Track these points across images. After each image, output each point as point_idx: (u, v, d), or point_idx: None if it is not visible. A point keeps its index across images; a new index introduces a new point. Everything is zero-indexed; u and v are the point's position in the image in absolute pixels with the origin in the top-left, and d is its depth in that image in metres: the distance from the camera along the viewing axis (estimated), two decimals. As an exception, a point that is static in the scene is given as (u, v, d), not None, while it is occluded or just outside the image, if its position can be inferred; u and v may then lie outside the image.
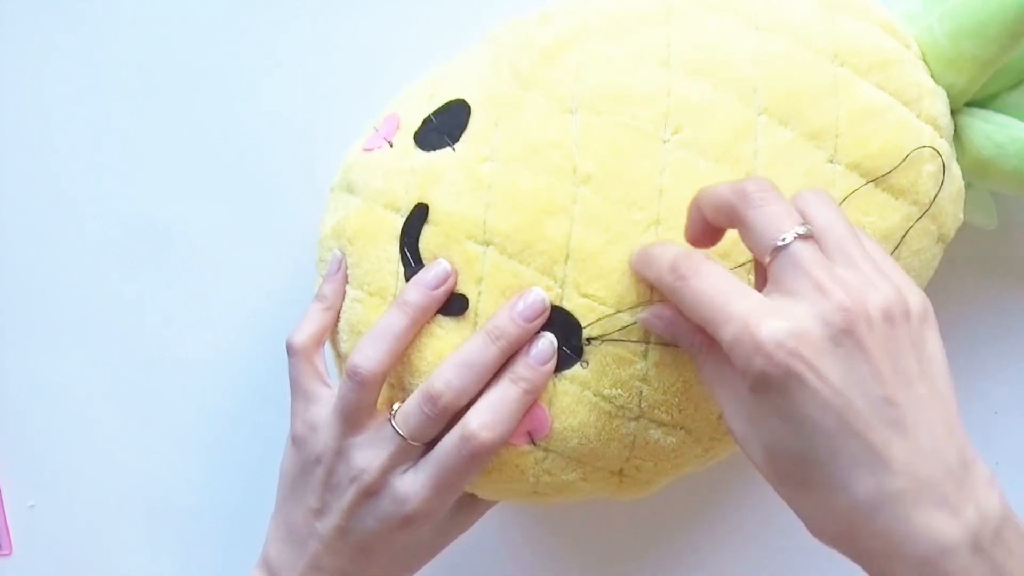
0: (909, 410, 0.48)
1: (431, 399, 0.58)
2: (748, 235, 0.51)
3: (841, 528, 0.49)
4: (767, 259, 0.50)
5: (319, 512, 0.62)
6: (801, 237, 0.50)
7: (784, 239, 0.49)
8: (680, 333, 0.56)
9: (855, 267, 0.50)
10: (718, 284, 0.51)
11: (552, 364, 0.59)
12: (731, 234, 0.56)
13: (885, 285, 0.49)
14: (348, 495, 0.60)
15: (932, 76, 0.64)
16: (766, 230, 0.50)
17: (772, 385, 0.48)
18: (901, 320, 0.49)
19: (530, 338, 0.59)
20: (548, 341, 0.59)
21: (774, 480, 0.51)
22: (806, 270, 0.49)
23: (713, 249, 0.57)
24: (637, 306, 0.59)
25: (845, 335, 0.47)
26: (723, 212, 0.52)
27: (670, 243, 0.56)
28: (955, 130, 0.65)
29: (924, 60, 0.64)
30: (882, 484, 0.47)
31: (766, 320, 0.47)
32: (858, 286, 0.49)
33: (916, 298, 0.50)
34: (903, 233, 0.61)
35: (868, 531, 0.48)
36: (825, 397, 0.47)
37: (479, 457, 0.59)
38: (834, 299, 0.48)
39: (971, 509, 0.47)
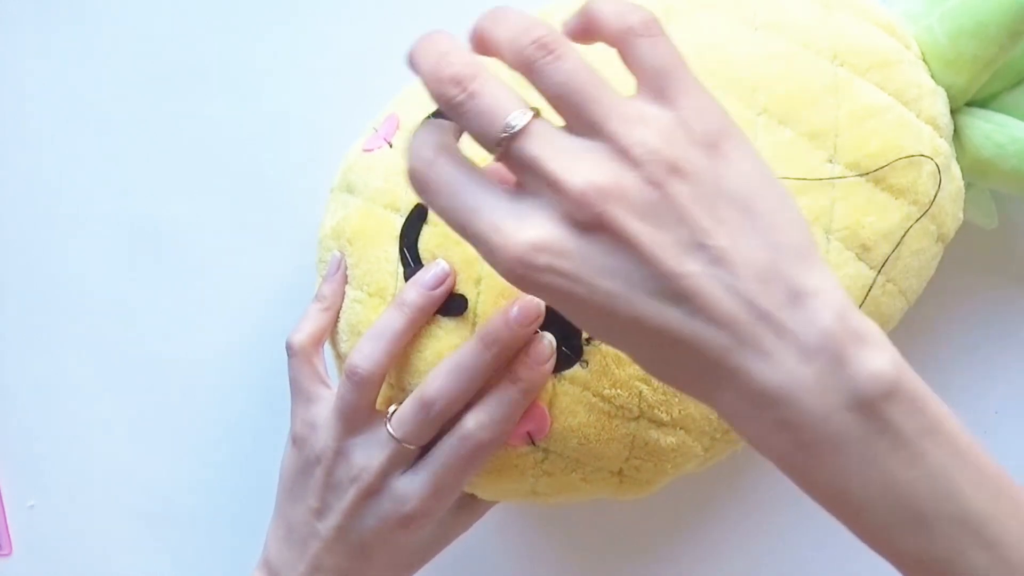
0: (700, 276, 0.42)
1: (424, 406, 0.58)
2: (469, 130, 0.44)
3: (688, 393, 0.46)
4: (496, 156, 0.44)
5: (319, 512, 0.62)
6: (518, 133, 0.43)
7: (503, 136, 0.43)
8: None
9: (599, 131, 0.43)
10: (457, 194, 0.44)
11: (551, 364, 0.59)
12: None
13: (646, 141, 0.42)
14: (348, 495, 0.61)
15: (932, 76, 0.64)
16: (484, 125, 0.43)
17: (544, 299, 0.45)
18: (670, 177, 0.42)
19: (524, 341, 0.59)
20: (547, 341, 0.59)
21: None
22: (537, 166, 0.43)
23: None
24: None
25: (596, 228, 0.42)
26: (443, 106, 0.45)
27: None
28: (955, 129, 0.65)
29: (924, 60, 0.64)
30: (695, 358, 0.43)
31: (506, 235, 0.43)
32: (604, 159, 0.43)
33: (697, 131, 0.43)
34: (903, 233, 0.61)
35: (709, 392, 0.45)
36: (596, 302, 0.43)
37: (478, 457, 0.59)
38: (573, 191, 0.42)
39: (814, 362, 0.43)
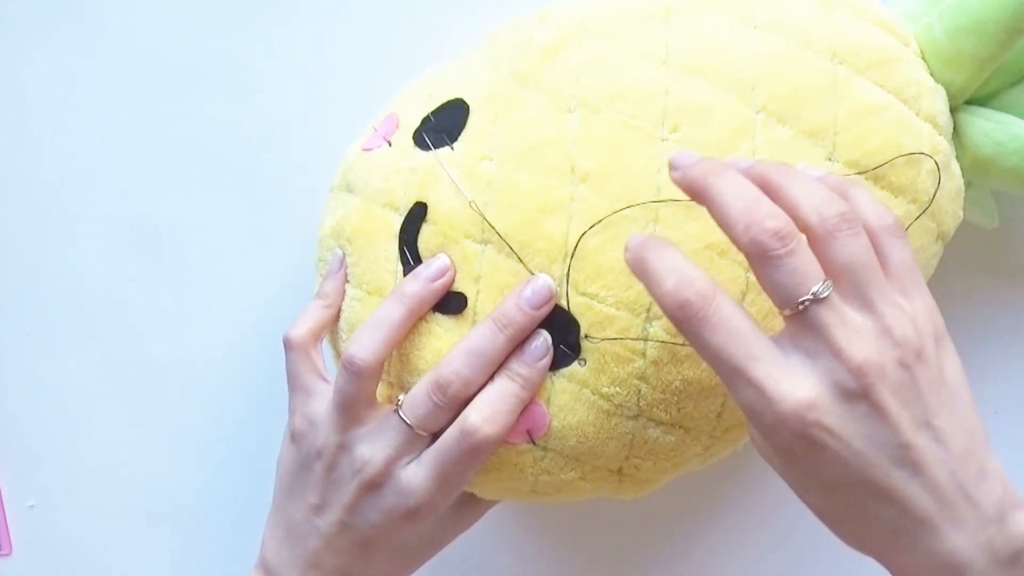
0: (925, 449, 0.49)
1: (440, 387, 0.58)
2: (769, 280, 0.49)
3: (869, 548, 0.52)
4: (786, 311, 0.49)
5: (319, 508, 0.62)
6: (818, 300, 0.48)
7: (803, 302, 0.48)
8: None
9: (873, 310, 0.49)
10: (733, 337, 0.49)
11: (547, 360, 0.59)
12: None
13: (903, 326, 0.49)
14: (350, 489, 0.60)
15: (931, 74, 0.64)
16: (790, 283, 0.49)
17: (796, 453, 0.49)
18: (916, 362, 0.50)
19: (531, 331, 0.59)
20: (542, 338, 0.59)
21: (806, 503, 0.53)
22: (825, 334, 0.48)
23: (697, 244, 0.57)
24: (635, 304, 0.59)
25: (861, 397, 0.48)
26: (752, 251, 0.50)
27: (670, 248, 0.52)
28: (954, 128, 0.65)
29: (923, 58, 0.64)
30: (902, 519, 0.50)
31: (785, 391, 0.48)
32: (875, 337, 0.49)
33: (930, 326, 0.51)
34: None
35: (893, 551, 0.51)
36: (846, 459, 0.49)
37: (480, 451, 0.59)
38: (852, 363, 0.48)
39: (991, 528, 0.50)
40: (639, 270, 0.52)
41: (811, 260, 0.49)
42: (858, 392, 0.48)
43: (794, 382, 0.48)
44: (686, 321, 0.50)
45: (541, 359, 0.59)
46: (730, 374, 0.49)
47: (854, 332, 0.48)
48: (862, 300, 0.49)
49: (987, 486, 0.51)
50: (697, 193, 0.52)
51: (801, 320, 0.49)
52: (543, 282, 0.59)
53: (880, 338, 0.49)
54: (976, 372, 0.76)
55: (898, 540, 0.50)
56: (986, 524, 0.50)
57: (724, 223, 0.50)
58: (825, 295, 0.48)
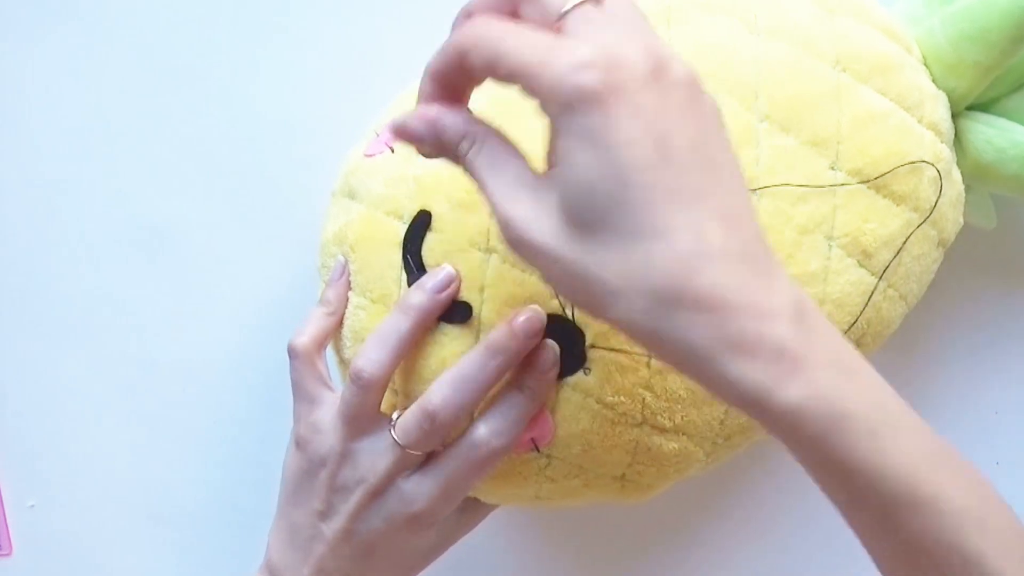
0: (717, 166, 0.45)
1: (429, 416, 0.58)
2: (532, 14, 0.47)
3: (656, 287, 0.44)
4: (557, 25, 0.46)
5: (324, 514, 0.62)
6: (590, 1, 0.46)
7: (567, 8, 0.46)
8: (450, 135, 0.50)
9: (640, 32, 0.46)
10: (518, 32, 0.46)
11: (555, 372, 0.59)
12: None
13: (677, 55, 0.46)
14: (355, 497, 0.61)
15: (933, 80, 0.64)
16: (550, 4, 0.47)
17: (589, 101, 0.43)
18: (693, 83, 0.46)
19: (528, 351, 0.59)
20: (551, 350, 0.59)
21: (575, 234, 0.45)
22: (607, 23, 0.46)
23: None
24: None
25: (656, 74, 0.44)
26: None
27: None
28: (956, 134, 0.65)
29: (925, 64, 0.64)
30: (702, 235, 0.44)
31: (586, 44, 0.44)
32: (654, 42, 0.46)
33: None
34: (904, 240, 0.61)
35: (690, 293, 0.44)
36: (643, 124, 0.43)
37: (487, 463, 0.59)
38: (645, 40, 0.45)
39: (783, 281, 0.45)
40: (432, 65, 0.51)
41: None
42: (657, 66, 0.44)
43: (585, 42, 0.45)
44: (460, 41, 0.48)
45: (549, 370, 0.59)
46: (522, 48, 0.45)
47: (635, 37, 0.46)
48: (633, 21, 0.47)
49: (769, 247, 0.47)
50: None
51: (574, 18, 0.46)
52: (533, 312, 0.58)
53: (664, 48, 0.46)
54: (976, 372, 0.77)
55: (693, 273, 0.44)
56: (777, 269, 0.46)
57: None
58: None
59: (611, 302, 0.45)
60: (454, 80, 0.51)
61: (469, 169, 0.49)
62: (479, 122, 0.50)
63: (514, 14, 0.49)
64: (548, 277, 0.48)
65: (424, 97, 0.52)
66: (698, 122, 0.45)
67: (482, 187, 0.49)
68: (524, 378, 0.59)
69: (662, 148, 0.44)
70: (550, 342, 0.59)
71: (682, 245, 0.43)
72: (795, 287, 0.45)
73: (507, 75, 0.46)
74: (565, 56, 0.44)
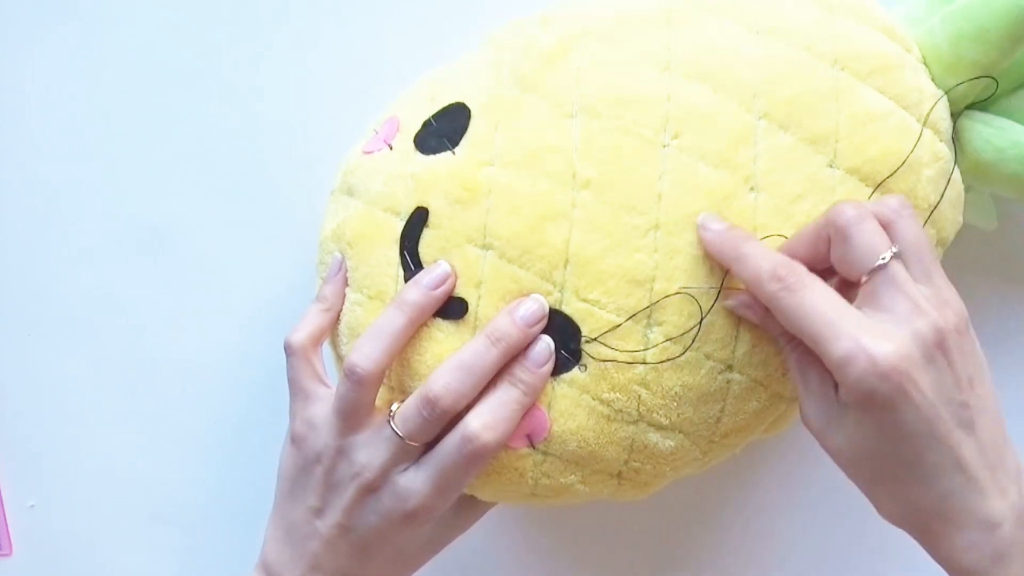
0: (976, 411, 0.54)
1: (429, 403, 0.58)
2: (847, 254, 0.55)
3: (911, 513, 0.55)
4: (864, 278, 0.55)
5: (320, 511, 0.62)
6: (895, 257, 0.54)
7: (883, 258, 0.54)
8: (771, 325, 0.58)
9: (931, 283, 0.55)
10: (825, 300, 0.54)
11: (549, 367, 0.59)
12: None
13: (954, 299, 0.55)
14: (349, 492, 0.61)
15: (933, 79, 0.64)
16: (864, 251, 0.54)
17: (878, 402, 0.52)
18: (965, 330, 0.55)
19: (530, 341, 0.59)
20: (545, 344, 0.59)
21: (851, 473, 0.56)
22: (902, 290, 0.54)
23: (698, 252, 0.59)
24: (636, 310, 0.59)
25: (937, 350, 0.53)
26: (822, 234, 0.56)
27: (764, 245, 0.58)
28: (955, 133, 0.65)
29: (925, 63, 0.64)
30: (954, 478, 0.53)
31: (878, 342, 0.52)
32: (938, 302, 0.54)
33: (963, 307, 0.56)
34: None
35: (937, 514, 0.54)
36: (921, 410, 0.52)
37: (480, 457, 0.59)
38: (928, 318, 0.53)
39: (1014, 491, 0.54)
40: (731, 257, 0.58)
41: (878, 231, 0.55)
42: (935, 344, 0.53)
43: (884, 335, 0.52)
44: (785, 288, 0.55)
45: (543, 365, 0.59)
46: (822, 330, 0.53)
47: (922, 294, 0.54)
48: (922, 272, 0.55)
49: (1009, 449, 0.55)
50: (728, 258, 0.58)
51: (877, 280, 0.54)
52: (535, 300, 0.59)
53: (942, 306, 0.54)
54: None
55: (944, 503, 0.54)
56: (1010, 485, 0.54)
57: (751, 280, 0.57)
58: (895, 253, 0.54)
59: (876, 507, 0.57)
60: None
61: (784, 355, 0.58)
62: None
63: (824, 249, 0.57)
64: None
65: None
66: (966, 374, 0.54)
67: (790, 375, 0.59)
68: (518, 372, 0.59)
69: (933, 425, 0.53)
70: (545, 337, 0.59)
71: (945, 485, 0.54)
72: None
73: (806, 336, 0.54)
74: (860, 369, 0.52)
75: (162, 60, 0.77)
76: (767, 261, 0.56)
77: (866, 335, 0.52)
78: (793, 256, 0.57)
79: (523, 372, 0.59)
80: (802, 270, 0.55)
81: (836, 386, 0.54)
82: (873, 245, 0.54)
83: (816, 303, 0.54)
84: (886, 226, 0.56)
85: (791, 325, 0.55)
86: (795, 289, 0.54)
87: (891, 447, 0.53)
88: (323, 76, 0.77)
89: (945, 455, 0.53)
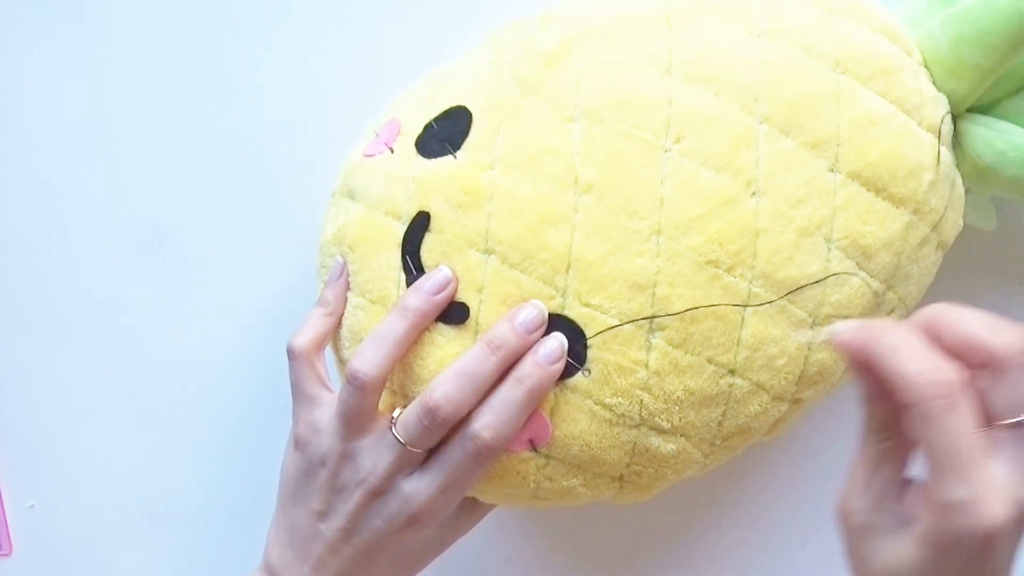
0: None
1: (430, 411, 0.58)
2: (997, 391, 0.50)
3: None
4: (1004, 423, 0.50)
5: (323, 514, 0.62)
6: None
7: None
8: (873, 409, 0.54)
9: None
10: (964, 436, 0.49)
11: (560, 365, 0.59)
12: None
13: None
14: (354, 497, 0.61)
15: (933, 82, 0.64)
16: (1020, 398, 0.50)
17: (956, 553, 0.49)
18: None
19: (530, 348, 0.59)
20: (558, 341, 0.59)
21: None
22: None
23: (699, 257, 0.59)
24: (638, 315, 0.59)
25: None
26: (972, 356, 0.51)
27: (924, 349, 0.51)
28: (955, 136, 0.65)
29: (926, 66, 0.64)
30: None
31: (993, 505, 0.48)
32: None
33: None
34: (903, 242, 0.61)
35: None
36: (992, 571, 0.50)
37: (485, 458, 0.59)
38: None
39: None
40: (875, 350, 0.51)
41: None
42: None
43: (999, 496, 0.48)
44: (936, 401, 0.49)
45: (555, 362, 0.59)
46: (952, 467, 0.49)
47: None
48: None
49: None
50: (867, 358, 0.52)
51: (1017, 432, 0.49)
52: (535, 307, 0.59)
53: None
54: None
55: None
56: None
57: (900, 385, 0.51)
58: None
59: None
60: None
61: (862, 439, 0.54)
62: (898, 424, 0.53)
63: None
64: (846, 547, 0.53)
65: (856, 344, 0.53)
66: None
67: (856, 460, 0.54)
68: (527, 368, 0.59)
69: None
70: (557, 334, 0.59)
71: None
72: None
73: (931, 457, 0.49)
74: (965, 521, 0.48)
75: (162, 60, 0.77)
76: (924, 361, 0.50)
77: (989, 490, 0.48)
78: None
79: (532, 367, 0.59)
80: (960, 387, 0.50)
81: (896, 496, 0.52)
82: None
83: (959, 434, 0.49)
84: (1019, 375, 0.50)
85: (923, 439, 0.50)
86: (946, 408, 0.49)
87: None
88: (323, 76, 0.76)
89: None
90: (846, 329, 0.52)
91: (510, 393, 0.59)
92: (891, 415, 0.52)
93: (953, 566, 0.49)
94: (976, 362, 0.50)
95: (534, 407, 0.60)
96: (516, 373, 0.59)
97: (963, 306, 0.53)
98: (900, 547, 0.50)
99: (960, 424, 0.49)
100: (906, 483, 0.52)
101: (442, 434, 0.59)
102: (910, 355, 0.50)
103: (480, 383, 0.59)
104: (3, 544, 0.81)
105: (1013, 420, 0.49)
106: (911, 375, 0.50)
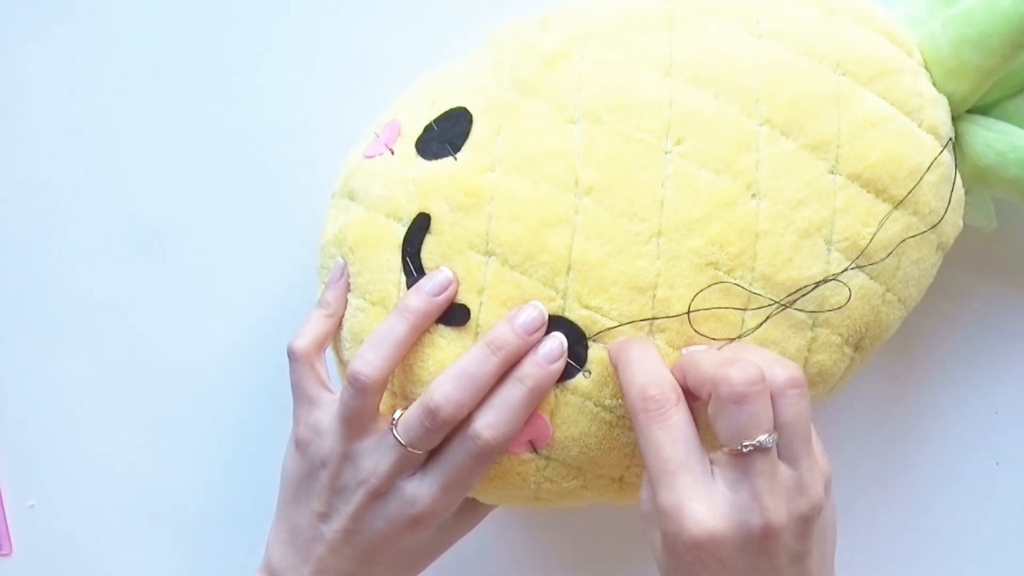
0: None
1: (430, 413, 0.58)
2: (719, 421, 0.54)
3: None
4: (726, 449, 0.54)
5: (325, 515, 0.62)
6: (757, 449, 0.53)
7: (746, 447, 0.53)
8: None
9: (797, 466, 0.54)
10: (677, 444, 0.54)
11: (561, 364, 0.59)
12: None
13: (813, 485, 0.54)
14: (356, 498, 0.61)
15: (934, 83, 0.64)
16: (733, 431, 0.53)
17: (682, 563, 0.53)
18: (811, 523, 0.54)
19: (530, 349, 0.59)
20: (558, 341, 0.59)
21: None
22: (751, 481, 0.53)
23: (699, 259, 0.59)
24: (638, 317, 0.59)
25: (759, 546, 0.53)
26: (703, 388, 0.55)
27: (652, 349, 0.58)
28: (955, 137, 0.64)
29: (926, 66, 0.64)
30: None
31: (698, 513, 0.52)
32: (791, 492, 0.54)
33: (828, 475, 0.56)
34: (902, 243, 0.61)
35: None
36: None
37: (486, 457, 0.59)
38: (764, 515, 0.52)
39: None
40: (616, 358, 0.57)
41: (767, 409, 0.53)
42: (760, 541, 0.52)
43: (710, 508, 0.52)
44: (645, 412, 0.54)
45: (555, 361, 0.59)
46: (660, 474, 0.53)
47: (776, 486, 0.53)
48: (792, 455, 0.54)
49: None
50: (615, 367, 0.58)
51: (738, 459, 0.53)
52: (535, 308, 0.59)
53: (796, 494, 0.54)
54: (976, 372, 0.77)
55: None
56: None
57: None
58: (769, 447, 0.53)
59: None
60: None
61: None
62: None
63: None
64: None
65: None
66: (805, 557, 0.54)
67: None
68: (528, 367, 0.59)
69: None
70: (557, 334, 0.59)
71: None
72: None
73: (646, 467, 0.55)
74: (674, 524, 0.52)
75: (162, 60, 0.77)
76: (644, 375, 0.55)
77: (694, 501, 0.52)
78: (684, 376, 0.56)
79: (533, 367, 0.59)
80: (672, 400, 0.55)
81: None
82: (744, 429, 0.53)
83: (664, 444, 0.54)
84: (776, 394, 0.54)
85: (641, 449, 0.55)
86: (653, 419, 0.54)
87: None
88: (323, 76, 0.76)
89: None
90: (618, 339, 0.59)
91: (511, 393, 0.59)
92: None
93: (683, 573, 0.53)
94: (706, 393, 0.55)
95: (535, 407, 0.60)
96: (517, 373, 0.59)
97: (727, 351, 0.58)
98: (658, 546, 0.55)
99: (668, 435, 0.54)
100: None
101: (443, 435, 0.59)
102: (638, 368, 0.56)
103: (481, 384, 0.59)
104: (3, 544, 0.81)
105: (728, 449, 0.53)
106: (628, 385, 0.56)
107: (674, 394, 0.55)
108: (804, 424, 0.54)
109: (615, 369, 0.57)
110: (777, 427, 0.53)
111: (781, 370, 0.54)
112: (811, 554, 0.55)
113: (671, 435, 0.54)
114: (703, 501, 0.52)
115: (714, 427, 0.54)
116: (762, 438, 0.53)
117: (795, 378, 0.54)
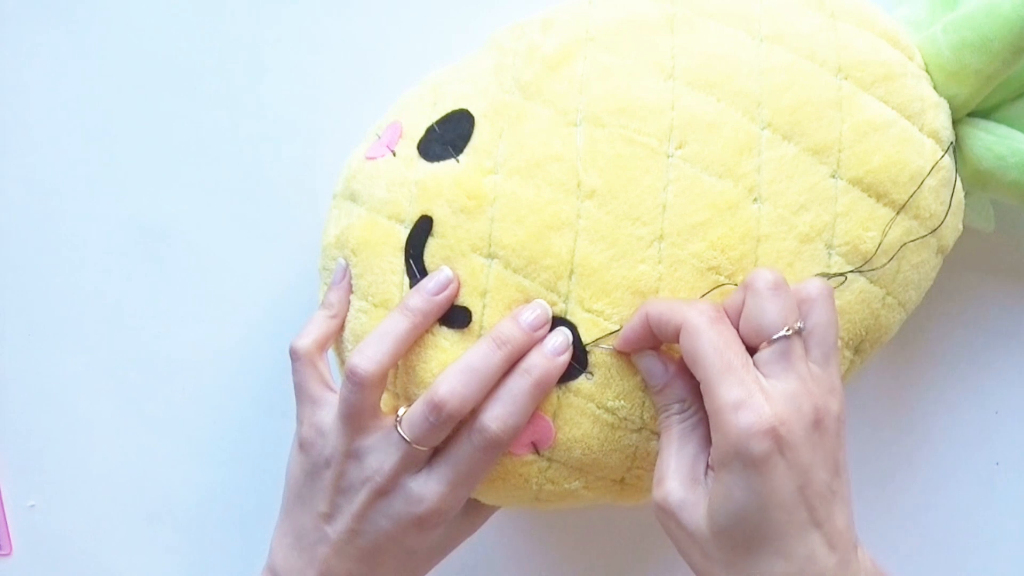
0: (837, 496, 0.56)
1: (435, 407, 0.58)
2: (756, 318, 0.56)
3: None
4: (764, 344, 0.55)
5: (329, 516, 0.62)
6: (796, 333, 0.55)
7: (787, 330, 0.55)
8: (676, 394, 0.59)
9: (827, 368, 0.56)
10: (734, 344, 0.55)
11: (566, 357, 0.59)
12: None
13: (839, 391, 0.57)
14: (360, 497, 0.61)
15: (935, 87, 0.64)
16: (772, 319, 0.55)
17: (754, 457, 0.53)
18: (842, 422, 0.57)
19: (535, 345, 0.59)
20: (563, 334, 0.60)
21: (713, 546, 0.55)
22: (794, 367, 0.55)
23: (701, 264, 0.59)
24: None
25: (815, 429, 0.54)
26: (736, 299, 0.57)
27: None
28: (956, 140, 0.65)
29: (927, 70, 0.64)
30: (814, 557, 0.55)
31: (768, 401, 0.54)
32: (826, 387, 0.56)
33: (844, 403, 0.58)
34: (901, 246, 0.61)
35: None
36: (793, 477, 0.54)
37: (492, 450, 0.59)
38: (812, 399, 0.55)
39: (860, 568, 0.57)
40: (651, 313, 0.58)
41: (790, 305, 0.56)
42: (813, 424, 0.54)
43: (771, 398, 0.54)
44: (702, 314, 0.56)
45: (561, 354, 0.59)
46: (724, 371, 0.54)
47: (813, 375, 0.56)
48: (822, 356, 0.56)
49: (856, 546, 0.57)
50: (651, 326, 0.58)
51: (776, 349, 0.55)
52: (539, 305, 0.60)
53: (828, 392, 0.56)
54: (976, 372, 0.77)
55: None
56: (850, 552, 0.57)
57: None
58: (801, 329, 0.56)
59: None
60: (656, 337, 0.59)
61: (663, 427, 0.59)
62: (697, 397, 0.57)
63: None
64: (676, 541, 0.57)
65: (632, 334, 0.59)
66: (834, 458, 0.56)
67: (661, 448, 0.58)
68: (533, 359, 0.59)
69: (803, 492, 0.54)
70: (563, 328, 0.59)
71: (797, 565, 0.54)
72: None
73: (701, 372, 0.55)
74: (748, 418, 0.53)
75: (162, 60, 0.77)
76: (687, 301, 0.58)
77: (760, 392, 0.54)
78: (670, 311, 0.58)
79: (539, 358, 0.59)
80: (722, 312, 0.57)
81: (707, 464, 0.56)
82: (782, 316, 0.55)
83: (730, 341, 0.55)
84: (801, 303, 0.57)
85: (692, 359, 0.56)
86: (714, 321, 0.56)
87: (754, 513, 0.54)
88: (324, 77, 0.76)
89: (804, 532, 0.54)
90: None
91: (516, 384, 0.59)
92: (689, 388, 0.58)
93: (758, 480, 0.53)
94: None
95: (540, 399, 0.60)
96: (523, 365, 0.59)
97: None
98: (712, 497, 0.55)
99: (726, 333, 0.56)
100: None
101: (448, 431, 0.59)
102: (674, 303, 0.57)
103: (485, 379, 0.59)
104: (3, 544, 0.81)
105: (767, 342, 0.55)
106: (683, 305, 0.57)
107: (719, 309, 0.57)
108: (833, 331, 0.57)
109: (654, 323, 0.58)
110: (809, 327, 0.56)
111: (813, 283, 0.58)
112: (844, 450, 0.57)
113: (730, 336, 0.56)
114: (765, 393, 0.54)
115: (747, 332, 0.56)
116: (796, 324, 0.55)
117: (825, 288, 0.57)
